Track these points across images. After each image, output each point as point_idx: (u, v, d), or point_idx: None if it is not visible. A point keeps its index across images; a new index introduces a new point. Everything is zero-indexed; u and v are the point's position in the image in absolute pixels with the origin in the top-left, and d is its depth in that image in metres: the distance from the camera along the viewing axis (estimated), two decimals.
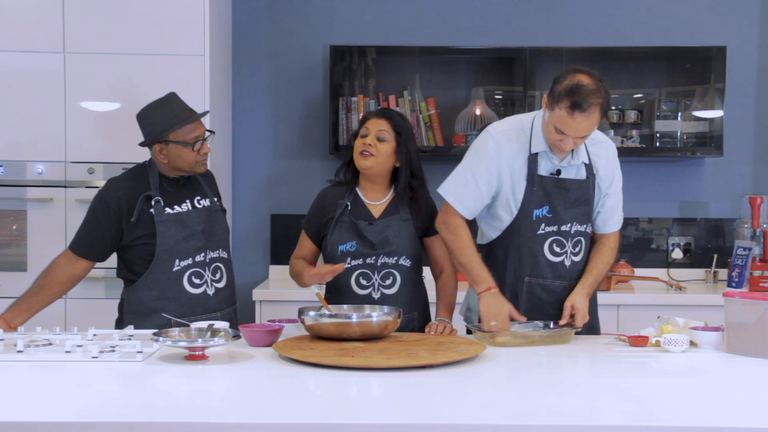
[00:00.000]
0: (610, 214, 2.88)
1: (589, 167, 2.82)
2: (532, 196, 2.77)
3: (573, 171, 2.81)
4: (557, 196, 2.78)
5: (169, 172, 2.83)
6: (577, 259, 2.84)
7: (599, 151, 2.85)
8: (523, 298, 2.80)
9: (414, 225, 2.89)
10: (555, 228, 2.80)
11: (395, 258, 2.85)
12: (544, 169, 2.78)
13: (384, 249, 2.84)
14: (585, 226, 2.84)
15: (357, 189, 2.93)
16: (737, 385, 2.20)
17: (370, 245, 2.84)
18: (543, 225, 2.79)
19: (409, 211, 2.90)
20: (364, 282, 2.85)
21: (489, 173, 2.78)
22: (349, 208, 2.89)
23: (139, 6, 3.84)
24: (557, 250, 2.81)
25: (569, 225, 2.80)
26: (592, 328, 2.87)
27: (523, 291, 2.81)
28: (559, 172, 2.78)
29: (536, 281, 2.82)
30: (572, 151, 2.77)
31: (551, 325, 2.72)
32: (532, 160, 2.76)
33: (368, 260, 2.85)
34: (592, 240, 2.91)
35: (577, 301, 2.72)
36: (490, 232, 2.88)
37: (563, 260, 2.82)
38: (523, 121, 2.83)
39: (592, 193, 2.82)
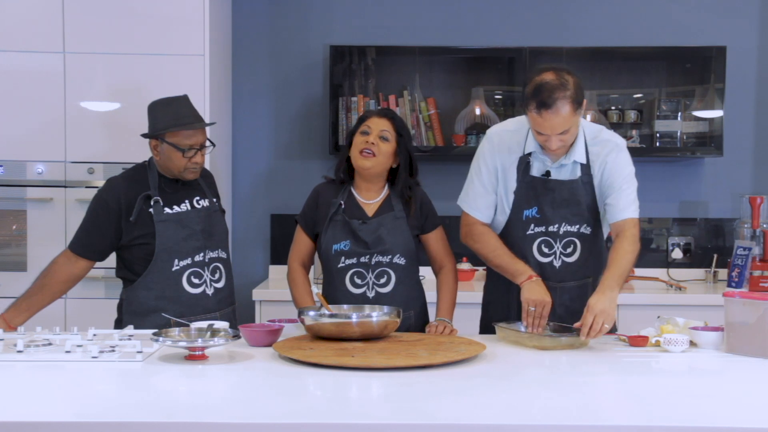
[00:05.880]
0: (616, 204, 2.75)
1: (585, 167, 2.79)
2: (522, 196, 2.79)
3: (567, 171, 2.79)
4: (544, 197, 2.79)
5: (165, 171, 2.83)
6: (569, 260, 2.82)
7: (600, 151, 2.79)
8: (515, 297, 2.80)
9: (408, 223, 2.89)
10: (543, 228, 2.80)
11: (389, 256, 2.84)
12: (536, 169, 2.79)
13: (378, 248, 2.84)
14: (578, 226, 2.81)
15: (351, 188, 2.93)
16: (737, 385, 2.21)
17: (363, 244, 2.84)
18: (532, 225, 2.80)
19: (403, 209, 2.90)
20: (358, 281, 2.85)
21: (488, 173, 2.82)
22: (343, 206, 2.89)
23: (139, 6, 3.84)
24: (545, 250, 2.81)
25: (557, 226, 2.80)
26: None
27: (515, 290, 2.81)
28: (548, 173, 2.78)
29: None
30: (569, 149, 2.76)
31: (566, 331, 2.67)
32: (523, 160, 2.78)
33: (362, 259, 2.84)
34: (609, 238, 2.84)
35: (592, 301, 2.56)
36: None
37: (552, 261, 2.81)
38: (521, 122, 2.84)
39: (584, 193, 2.79)
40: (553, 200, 2.79)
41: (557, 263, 2.82)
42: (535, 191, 2.79)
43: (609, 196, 2.77)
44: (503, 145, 2.82)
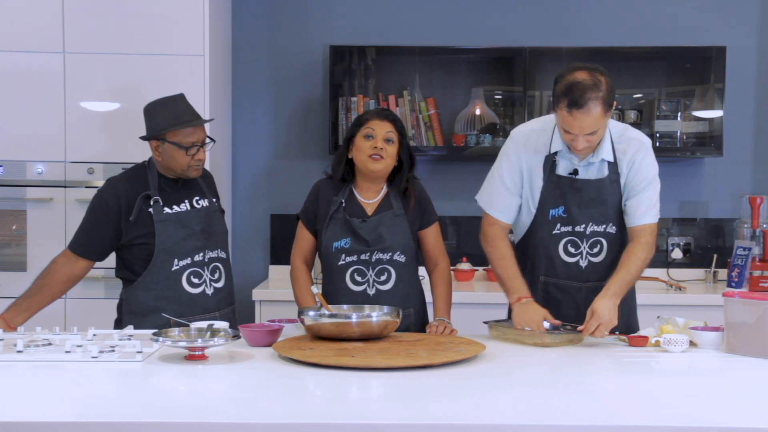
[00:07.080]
0: (636, 207, 2.76)
1: (613, 165, 2.77)
2: (548, 195, 2.78)
3: (594, 170, 2.78)
4: (571, 197, 2.78)
5: (166, 171, 2.83)
6: (596, 260, 2.82)
7: (627, 149, 2.78)
8: (539, 297, 2.79)
9: (407, 220, 2.89)
10: (570, 228, 2.80)
11: (389, 254, 2.85)
12: (563, 168, 2.78)
13: (378, 245, 2.84)
14: (604, 226, 2.79)
15: (351, 186, 2.93)
16: (737, 385, 2.21)
17: (363, 242, 2.85)
18: (558, 225, 2.80)
19: (401, 206, 2.90)
20: (358, 278, 2.85)
21: (511, 173, 2.82)
22: (344, 205, 2.89)
23: (139, 6, 3.84)
24: (572, 250, 2.81)
25: (584, 226, 2.79)
26: (630, 329, 2.82)
27: (539, 290, 2.81)
28: (576, 172, 2.78)
29: (551, 281, 2.83)
30: (596, 148, 2.74)
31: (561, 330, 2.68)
32: (549, 159, 2.77)
33: (362, 257, 2.85)
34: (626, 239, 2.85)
35: (599, 306, 2.59)
36: (517, 233, 2.91)
37: (578, 261, 2.81)
38: (546, 122, 2.84)
39: (611, 192, 2.78)
40: (580, 200, 2.77)
41: (583, 263, 2.81)
42: (561, 190, 2.78)
43: (630, 198, 2.77)
44: (529, 144, 2.81)
